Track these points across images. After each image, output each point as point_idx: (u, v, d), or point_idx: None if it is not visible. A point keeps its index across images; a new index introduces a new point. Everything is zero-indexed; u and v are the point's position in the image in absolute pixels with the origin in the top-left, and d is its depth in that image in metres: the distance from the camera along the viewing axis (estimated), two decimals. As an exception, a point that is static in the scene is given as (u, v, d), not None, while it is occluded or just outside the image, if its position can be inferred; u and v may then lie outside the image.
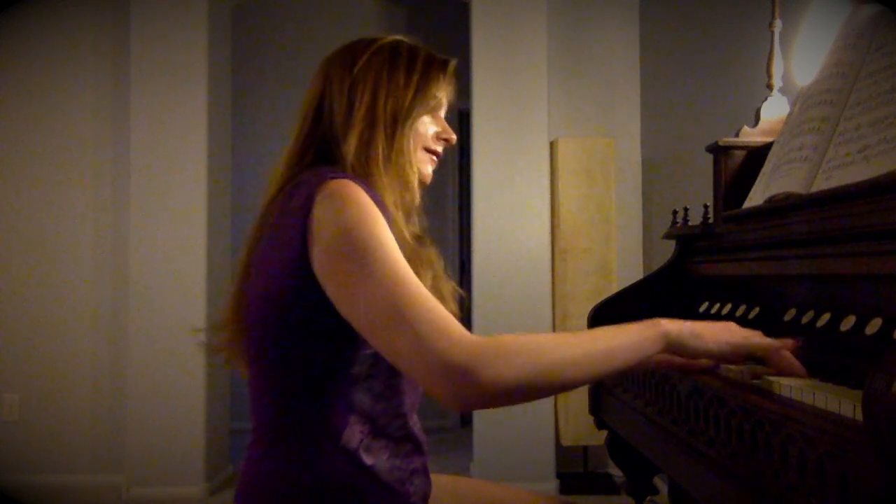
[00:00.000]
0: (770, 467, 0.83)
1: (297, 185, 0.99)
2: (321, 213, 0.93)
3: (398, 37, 1.14)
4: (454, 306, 1.08)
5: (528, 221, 3.31)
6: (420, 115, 1.10)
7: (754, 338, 0.97)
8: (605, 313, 1.59)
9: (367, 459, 0.98)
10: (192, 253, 3.30)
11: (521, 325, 3.23)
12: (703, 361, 1.03)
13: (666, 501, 1.99)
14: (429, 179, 1.16)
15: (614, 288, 3.03)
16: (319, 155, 1.07)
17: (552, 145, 3.36)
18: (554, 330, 3.30)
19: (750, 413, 0.88)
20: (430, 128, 1.13)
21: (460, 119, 4.87)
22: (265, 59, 4.68)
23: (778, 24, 1.66)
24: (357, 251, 0.90)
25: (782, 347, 0.96)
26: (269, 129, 4.47)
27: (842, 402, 0.75)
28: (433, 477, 1.12)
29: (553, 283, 3.33)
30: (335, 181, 0.96)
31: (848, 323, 0.98)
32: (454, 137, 1.17)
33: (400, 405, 1.02)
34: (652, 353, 0.94)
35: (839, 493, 0.69)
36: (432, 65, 1.12)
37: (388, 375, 0.99)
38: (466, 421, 4.51)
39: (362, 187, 0.97)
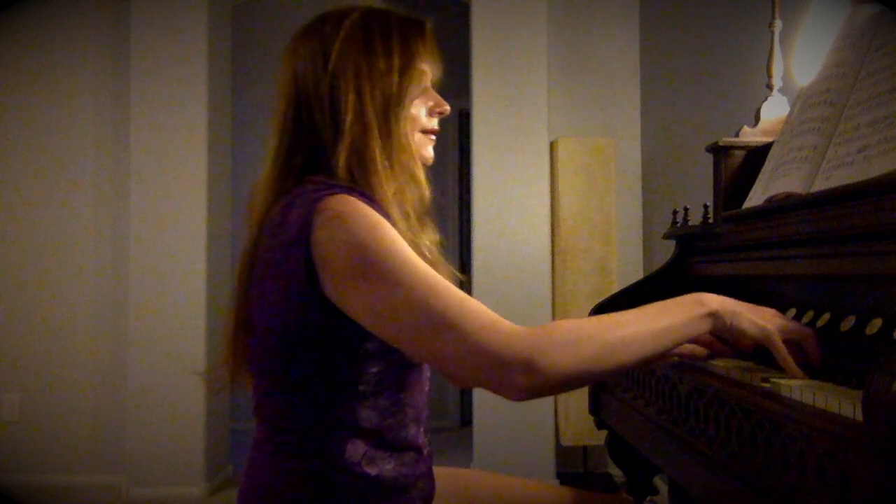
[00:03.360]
0: (770, 467, 0.82)
1: (289, 204, 0.94)
2: (325, 237, 0.89)
3: (364, 6, 1.04)
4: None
5: (528, 221, 3.31)
6: (412, 99, 1.02)
7: (777, 341, 0.94)
8: (605, 313, 1.59)
9: (371, 471, 0.97)
10: (193, 253, 3.30)
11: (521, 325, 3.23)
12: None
13: (666, 501, 1.99)
14: (430, 161, 1.09)
15: (614, 288, 3.03)
16: (307, 166, 1.00)
17: (552, 145, 3.36)
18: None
19: (750, 413, 0.88)
20: (421, 108, 1.06)
21: (460, 119, 4.89)
22: (265, 58, 4.67)
23: (778, 24, 1.66)
24: (378, 270, 0.87)
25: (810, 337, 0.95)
26: (269, 128, 4.46)
27: (842, 402, 0.75)
28: (435, 470, 1.12)
29: (553, 283, 3.33)
30: (332, 198, 0.91)
31: (848, 323, 0.98)
32: (448, 108, 1.08)
33: (404, 417, 1.01)
34: (699, 333, 0.92)
35: (839, 493, 0.69)
36: (409, 35, 1.02)
37: (393, 391, 0.98)
38: (466, 421, 4.51)
39: (360, 198, 0.93)
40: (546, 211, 3.32)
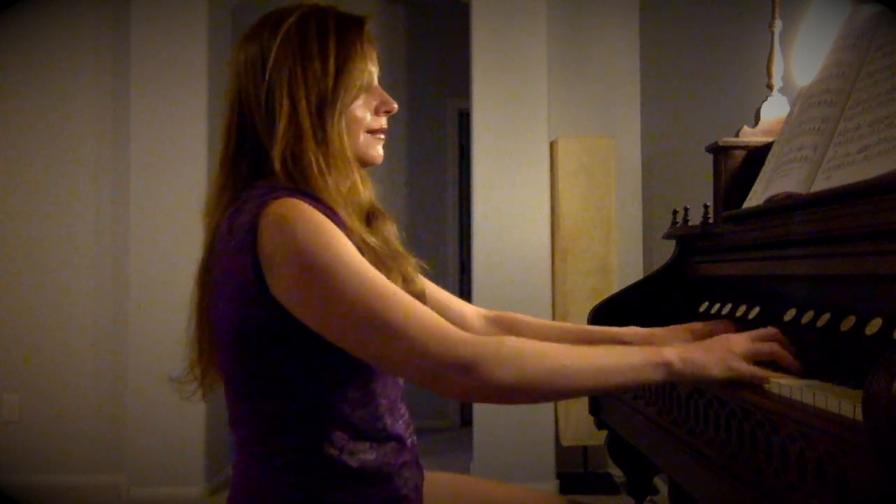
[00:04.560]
0: (770, 467, 0.82)
1: (238, 209, 0.95)
2: (269, 242, 0.89)
3: (304, 5, 1.03)
4: (420, 283, 1.07)
5: (528, 221, 3.31)
6: (350, 101, 1.01)
7: (744, 367, 0.94)
8: (605, 313, 1.59)
9: (353, 462, 0.96)
10: (192, 253, 3.28)
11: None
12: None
13: (666, 501, 1.98)
14: (380, 160, 1.07)
15: (614, 288, 3.03)
16: (254, 171, 1.00)
17: (552, 145, 3.36)
18: (554, 330, 3.29)
19: (750, 413, 0.88)
20: (366, 109, 1.04)
21: (460, 119, 4.88)
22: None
23: (778, 24, 1.66)
24: (322, 275, 0.87)
25: (764, 377, 0.94)
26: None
27: (842, 402, 0.75)
28: (432, 475, 1.12)
29: (553, 282, 3.32)
30: (276, 202, 0.91)
31: (848, 323, 0.98)
32: (395, 106, 1.07)
33: (377, 408, 1.00)
34: (652, 380, 0.94)
35: (839, 493, 0.69)
36: (346, 35, 1.01)
37: (361, 382, 0.98)
38: (466, 421, 4.51)
39: (307, 200, 0.92)
40: (546, 211, 3.32)
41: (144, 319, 3.27)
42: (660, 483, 2.54)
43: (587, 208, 3.27)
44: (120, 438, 3.34)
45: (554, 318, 3.31)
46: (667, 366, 0.92)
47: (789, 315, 1.13)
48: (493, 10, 3.36)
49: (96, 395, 3.43)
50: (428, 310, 0.90)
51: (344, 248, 0.90)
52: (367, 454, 0.98)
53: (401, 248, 1.07)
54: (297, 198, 0.92)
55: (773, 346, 0.98)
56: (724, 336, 1.00)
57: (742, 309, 1.30)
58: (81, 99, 3.49)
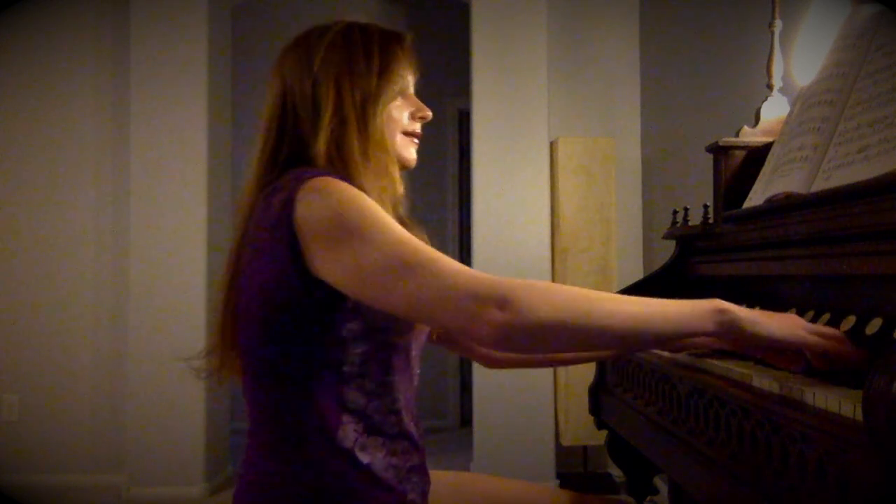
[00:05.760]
0: (770, 467, 0.83)
1: (274, 190, 0.98)
2: (305, 212, 0.92)
3: (347, 20, 1.11)
4: None
5: (528, 221, 3.31)
6: (390, 100, 1.07)
7: (816, 339, 0.90)
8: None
9: (363, 458, 0.98)
10: (192, 252, 3.30)
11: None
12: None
13: (666, 501, 1.99)
14: (413, 163, 1.13)
15: (614, 288, 3.03)
16: (292, 157, 1.04)
17: (552, 145, 3.36)
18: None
19: (750, 413, 0.88)
20: (403, 111, 1.11)
21: (460, 119, 4.88)
22: (265, 59, 4.67)
23: (778, 24, 1.66)
24: (354, 229, 0.90)
25: (840, 348, 0.90)
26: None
27: (842, 402, 0.75)
28: (434, 473, 1.12)
29: (553, 282, 3.32)
30: (313, 179, 0.95)
31: (848, 323, 0.98)
32: (430, 113, 1.14)
33: (394, 402, 1.02)
34: (701, 330, 0.89)
35: (839, 493, 0.70)
36: (389, 43, 1.09)
37: (379, 373, 1.00)
38: (466, 421, 4.51)
39: (343, 180, 0.97)
40: (546, 211, 3.32)
41: (144, 320, 3.27)
42: (660, 483, 2.54)
43: (587, 208, 3.27)
44: (120, 438, 3.34)
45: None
46: (721, 312, 0.87)
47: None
48: (493, 10, 3.36)
49: (96, 395, 3.43)
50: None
51: (376, 208, 0.93)
52: (378, 451, 0.99)
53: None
54: (334, 177, 0.96)
55: (835, 345, 0.91)
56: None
57: (742, 309, 1.29)
58: (81, 99, 3.49)
